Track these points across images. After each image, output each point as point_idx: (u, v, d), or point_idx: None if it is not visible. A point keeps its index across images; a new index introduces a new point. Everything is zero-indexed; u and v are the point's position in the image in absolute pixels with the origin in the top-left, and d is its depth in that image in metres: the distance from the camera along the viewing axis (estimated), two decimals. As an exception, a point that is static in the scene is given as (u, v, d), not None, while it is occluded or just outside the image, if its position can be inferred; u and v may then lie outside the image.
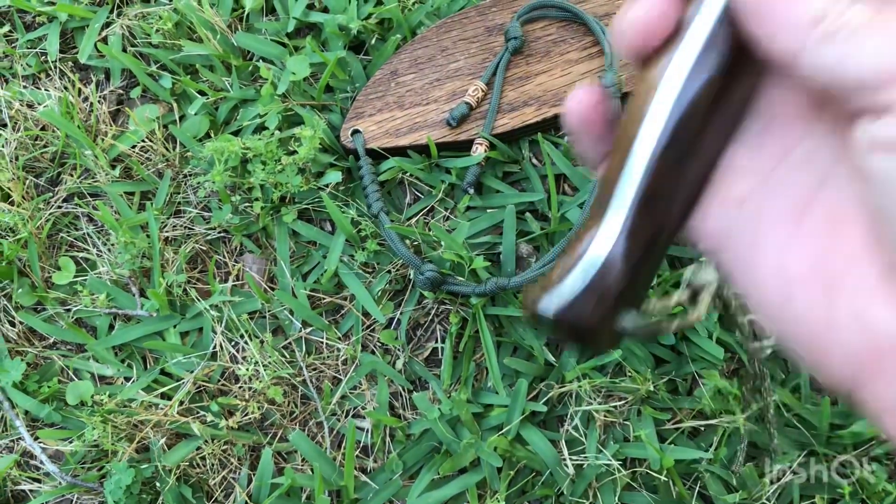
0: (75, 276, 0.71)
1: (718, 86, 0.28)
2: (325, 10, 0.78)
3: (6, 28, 0.82)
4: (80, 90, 0.78)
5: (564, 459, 0.63)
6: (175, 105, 0.76)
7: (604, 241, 0.28)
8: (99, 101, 0.78)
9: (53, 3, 0.81)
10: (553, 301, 0.28)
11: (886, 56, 0.23)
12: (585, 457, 0.62)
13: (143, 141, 0.74)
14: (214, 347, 0.68)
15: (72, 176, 0.75)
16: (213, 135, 0.74)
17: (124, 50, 0.79)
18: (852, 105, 0.25)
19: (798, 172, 0.29)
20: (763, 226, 0.28)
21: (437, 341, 0.68)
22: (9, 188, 0.73)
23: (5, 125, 0.77)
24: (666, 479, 0.61)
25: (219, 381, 0.67)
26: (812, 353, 0.27)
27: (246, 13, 0.78)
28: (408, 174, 0.71)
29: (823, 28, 0.24)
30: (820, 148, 0.29)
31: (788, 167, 0.29)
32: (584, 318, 0.28)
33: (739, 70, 0.28)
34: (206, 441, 0.65)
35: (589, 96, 0.30)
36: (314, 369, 0.67)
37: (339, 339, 0.68)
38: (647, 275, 0.29)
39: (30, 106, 0.78)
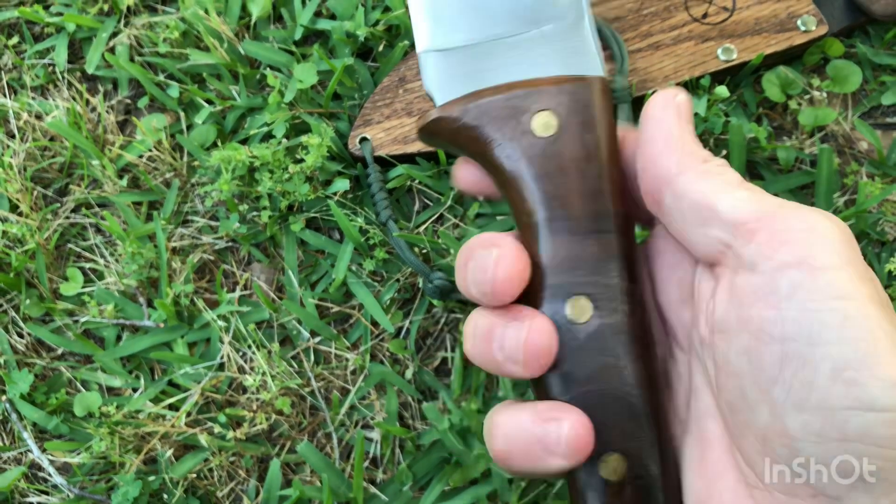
0: (83, 287, 0.71)
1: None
2: (333, 17, 0.78)
3: (15, 39, 0.82)
4: (87, 100, 0.78)
5: (577, 470, 0.61)
6: (182, 114, 0.76)
7: None
8: (106, 111, 0.77)
9: (61, 14, 0.81)
10: None
11: (750, 204, 0.27)
12: (598, 467, 0.61)
13: (150, 150, 0.74)
14: (222, 358, 0.67)
15: (79, 186, 0.75)
16: (220, 144, 0.74)
17: (131, 60, 0.79)
18: (705, 243, 0.28)
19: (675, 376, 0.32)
20: None
21: (447, 350, 0.67)
22: (17, 199, 0.73)
23: (14, 136, 0.77)
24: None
25: (226, 391, 0.67)
26: None
27: (253, 21, 0.78)
28: (416, 182, 0.70)
29: (707, 165, 0.28)
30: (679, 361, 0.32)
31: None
32: None
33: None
34: (214, 453, 0.64)
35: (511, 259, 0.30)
36: (322, 379, 0.67)
37: (348, 348, 0.67)
38: None
39: (38, 117, 0.78)
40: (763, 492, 0.27)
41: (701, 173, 0.28)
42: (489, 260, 0.30)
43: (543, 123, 0.31)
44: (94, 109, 0.78)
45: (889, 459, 0.23)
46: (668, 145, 0.29)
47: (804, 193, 0.68)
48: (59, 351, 0.71)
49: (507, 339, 0.29)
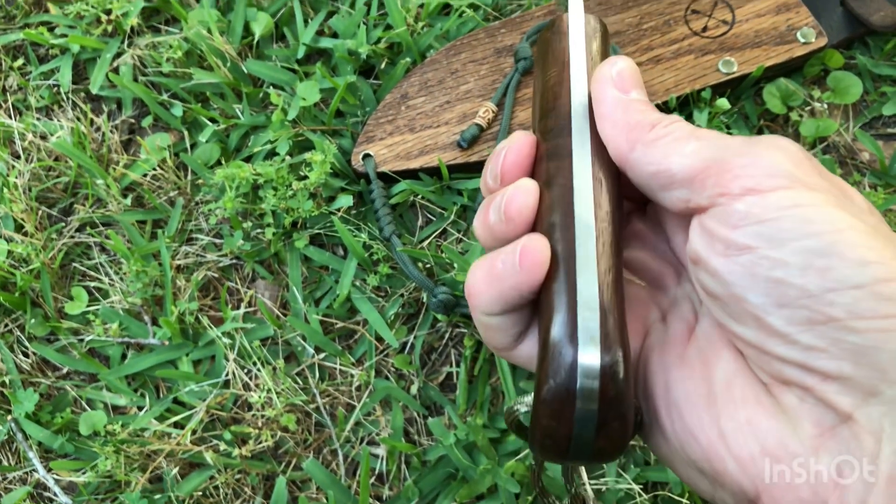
0: (88, 306, 0.71)
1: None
2: (335, 35, 0.79)
3: (20, 61, 0.83)
4: (92, 120, 0.79)
5: (584, 484, 0.61)
6: (186, 133, 0.76)
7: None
8: (111, 131, 0.78)
9: (66, 36, 0.82)
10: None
11: (699, 156, 0.28)
12: (605, 480, 0.61)
13: (154, 169, 0.74)
14: (227, 375, 0.67)
15: (84, 206, 0.75)
16: (224, 162, 0.74)
17: (135, 80, 0.80)
18: (673, 204, 0.29)
19: (684, 302, 0.33)
20: (653, 352, 0.32)
21: (451, 365, 0.67)
22: (22, 219, 0.74)
23: (19, 157, 0.77)
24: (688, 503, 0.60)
25: (232, 409, 0.67)
26: (712, 467, 0.28)
27: (256, 40, 0.78)
28: (419, 197, 0.70)
29: (654, 132, 0.29)
30: (689, 289, 0.33)
31: (677, 303, 0.33)
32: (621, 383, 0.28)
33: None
34: (220, 470, 0.64)
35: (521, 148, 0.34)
36: (327, 396, 0.67)
37: (353, 364, 0.67)
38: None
39: (43, 137, 0.78)
40: (780, 385, 0.27)
41: (649, 143, 0.29)
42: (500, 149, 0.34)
43: None
44: (98, 129, 0.79)
45: (881, 330, 0.23)
46: (614, 125, 0.30)
47: (807, 204, 0.68)
48: (65, 370, 0.71)
49: (494, 203, 0.32)
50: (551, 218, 0.30)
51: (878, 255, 0.24)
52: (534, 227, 0.31)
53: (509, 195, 0.31)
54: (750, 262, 0.25)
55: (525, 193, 0.31)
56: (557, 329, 0.28)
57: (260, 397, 0.64)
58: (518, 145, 0.33)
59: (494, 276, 0.30)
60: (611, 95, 0.31)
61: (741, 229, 0.26)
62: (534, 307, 0.32)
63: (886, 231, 0.26)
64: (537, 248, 0.30)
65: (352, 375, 0.67)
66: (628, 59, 0.32)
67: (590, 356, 0.27)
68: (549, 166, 0.32)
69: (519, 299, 0.30)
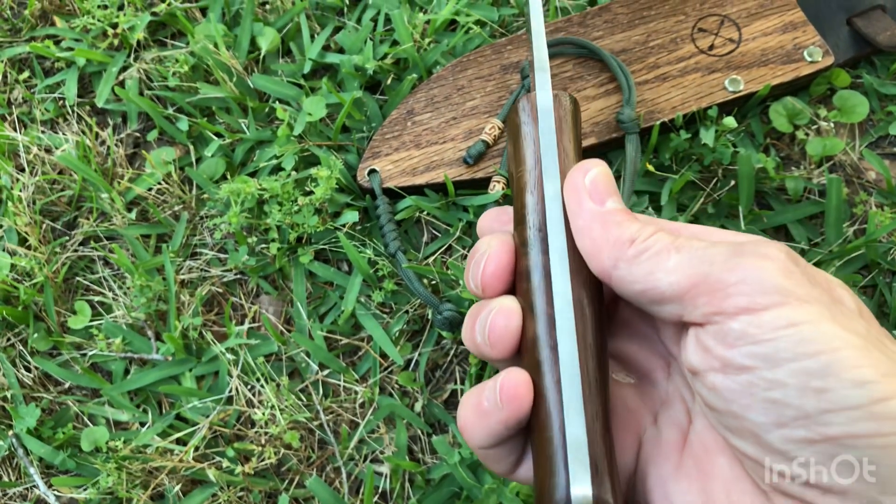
0: (91, 320, 0.71)
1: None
2: (341, 50, 0.79)
3: (26, 74, 0.83)
4: (97, 134, 0.79)
5: None
6: (191, 147, 0.76)
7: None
8: (116, 145, 0.78)
9: (72, 49, 0.82)
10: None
11: (684, 272, 0.27)
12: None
13: (159, 183, 0.74)
14: (230, 391, 0.67)
15: (88, 219, 0.75)
16: (229, 176, 0.74)
17: (141, 93, 0.80)
18: (665, 317, 0.29)
19: (676, 401, 0.33)
20: (650, 464, 0.32)
21: (456, 382, 0.67)
22: (26, 232, 0.73)
23: (23, 170, 0.77)
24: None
25: (235, 425, 0.66)
26: None
27: (262, 55, 0.78)
28: (425, 213, 0.70)
29: (634, 248, 0.29)
30: (679, 383, 0.33)
31: (669, 403, 0.33)
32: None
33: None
34: (222, 487, 0.64)
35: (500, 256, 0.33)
36: (331, 413, 0.66)
37: (357, 381, 0.67)
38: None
39: (47, 150, 0.78)
40: (780, 495, 0.27)
41: (631, 260, 0.29)
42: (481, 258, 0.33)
43: None
44: (103, 143, 0.79)
45: (879, 447, 0.24)
46: (593, 241, 0.30)
47: (813, 223, 0.68)
48: (67, 385, 0.70)
49: (479, 321, 0.32)
50: (535, 352, 0.31)
51: (873, 372, 0.24)
52: (519, 351, 0.31)
53: (492, 320, 0.31)
54: (748, 381, 0.26)
55: (507, 318, 0.31)
56: (550, 479, 0.29)
57: (263, 414, 0.64)
58: (497, 254, 0.33)
59: (481, 413, 0.31)
60: (587, 209, 0.30)
61: (738, 349, 0.26)
62: (526, 435, 0.32)
63: (877, 337, 0.26)
64: (517, 382, 0.30)
65: (356, 392, 0.66)
66: (600, 164, 0.31)
67: None
68: (529, 287, 0.32)
69: (507, 432, 0.31)
